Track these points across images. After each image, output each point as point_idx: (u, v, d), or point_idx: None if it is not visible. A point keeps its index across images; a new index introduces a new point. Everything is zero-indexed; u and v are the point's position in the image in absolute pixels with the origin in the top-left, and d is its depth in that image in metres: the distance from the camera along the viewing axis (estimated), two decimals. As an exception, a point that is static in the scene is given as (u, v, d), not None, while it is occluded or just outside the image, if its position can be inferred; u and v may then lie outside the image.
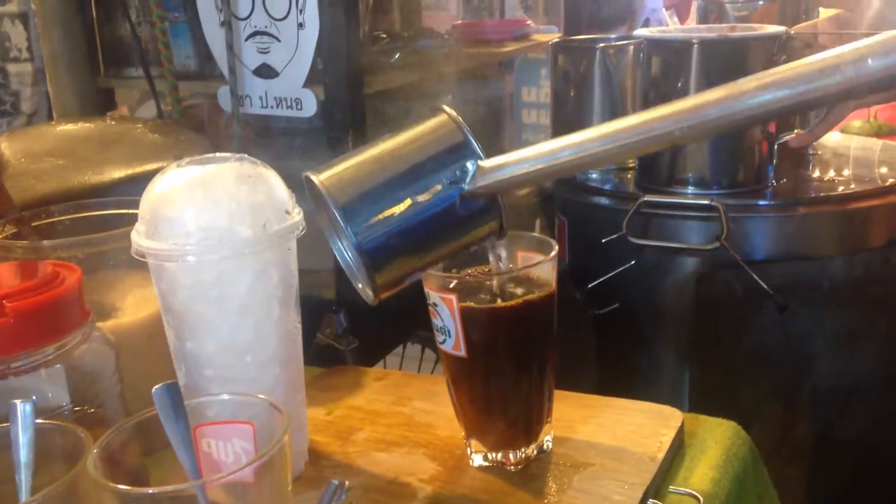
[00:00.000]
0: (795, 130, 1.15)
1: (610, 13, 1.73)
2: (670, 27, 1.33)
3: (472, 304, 0.66)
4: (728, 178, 1.10)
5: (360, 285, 0.67)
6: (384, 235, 0.61)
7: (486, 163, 0.62)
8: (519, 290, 0.68)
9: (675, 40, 1.13)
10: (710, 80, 1.12)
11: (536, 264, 0.68)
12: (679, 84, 1.10)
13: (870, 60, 0.47)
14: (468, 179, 0.62)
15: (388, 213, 0.61)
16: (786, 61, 0.56)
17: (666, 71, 1.13)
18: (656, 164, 1.14)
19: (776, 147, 1.11)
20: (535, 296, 0.67)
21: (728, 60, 1.09)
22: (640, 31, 1.17)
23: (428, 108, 0.65)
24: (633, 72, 1.24)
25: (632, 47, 1.24)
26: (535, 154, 0.60)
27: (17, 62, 1.34)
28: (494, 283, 0.68)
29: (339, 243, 0.67)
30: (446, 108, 0.64)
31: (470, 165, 0.62)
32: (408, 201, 0.62)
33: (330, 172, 0.63)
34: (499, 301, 0.67)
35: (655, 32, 1.16)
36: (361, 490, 0.69)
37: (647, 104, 1.14)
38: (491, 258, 0.68)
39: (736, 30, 1.15)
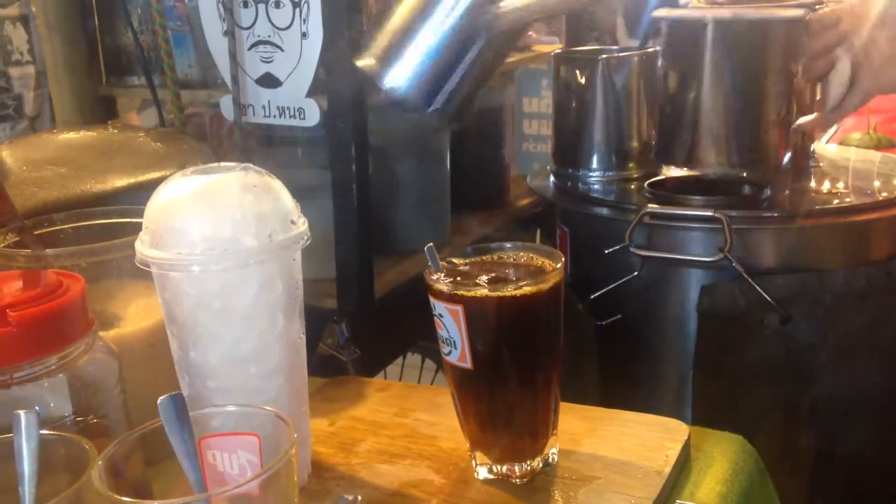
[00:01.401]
0: (814, 115, 1.14)
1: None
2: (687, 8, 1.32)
3: (476, 293, 0.65)
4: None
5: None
6: None
7: None
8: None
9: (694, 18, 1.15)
10: (730, 60, 1.17)
11: (548, 274, 0.68)
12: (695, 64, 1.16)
13: None
14: None
15: None
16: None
17: (684, 51, 1.19)
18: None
19: (790, 131, 1.12)
20: (541, 287, 0.66)
21: (747, 41, 1.15)
22: (659, 12, 1.18)
23: None
24: (636, 82, 1.24)
25: (635, 58, 1.24)
26: None
27: (18, 65, 1.33)
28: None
29: None
30: None
31: None
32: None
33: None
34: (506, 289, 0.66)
35: (674, 13, 1.18)
36: (366, 502, 0.68)
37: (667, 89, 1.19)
38: None
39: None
